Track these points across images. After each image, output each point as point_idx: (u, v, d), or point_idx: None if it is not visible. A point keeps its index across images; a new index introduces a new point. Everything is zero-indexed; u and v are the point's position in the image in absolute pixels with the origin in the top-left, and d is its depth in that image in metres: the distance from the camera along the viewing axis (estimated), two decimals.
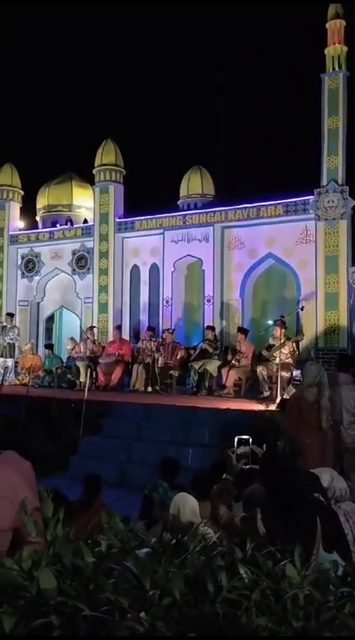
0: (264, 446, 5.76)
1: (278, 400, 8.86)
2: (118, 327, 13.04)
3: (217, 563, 1.18)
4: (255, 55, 23.43)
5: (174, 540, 1.36)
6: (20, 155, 19.62)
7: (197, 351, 11.42)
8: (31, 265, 16.08)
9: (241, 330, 11.43)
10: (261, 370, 10.07)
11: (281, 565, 1.20)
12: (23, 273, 16.22)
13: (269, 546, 1.34)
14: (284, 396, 8.64)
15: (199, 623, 1.00)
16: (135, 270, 14.73)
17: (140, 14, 24.60)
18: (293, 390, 7.56)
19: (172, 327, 12.77)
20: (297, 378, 7.73)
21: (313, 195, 11.84)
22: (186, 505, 3.69)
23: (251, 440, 3.48)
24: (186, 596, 1.04)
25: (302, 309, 11.38)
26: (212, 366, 11.07)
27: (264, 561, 1.22)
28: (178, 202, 15.81)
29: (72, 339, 13.73)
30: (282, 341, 9.99)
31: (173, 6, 22.50)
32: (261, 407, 9.09)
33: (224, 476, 4.10)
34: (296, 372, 9.35)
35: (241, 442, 3.43)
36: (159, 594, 1.03)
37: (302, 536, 2.37)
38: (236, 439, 3.45)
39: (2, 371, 13.29)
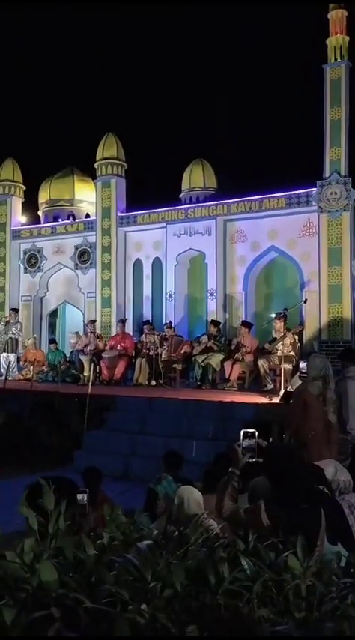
0: (271, 439, 5.76)
1: (281, 393, 8.85)
2: (122, 322, 13.03)
3: (219, 554, 1.18)
4: (257, 46, 23.31)
5: (177, 532, 1.35)
6: (22, 150, 19.58)
7: (201, 347, 11.39)
8: (33, 260, 16.08)
9: (245, 324, 11.39)
10: (262, 363, 10.06)
11: (283, 556, 1.20)
12: (26, 268, 16.22)
13: (272, 538, 1.34)
14: (288, 389, 8.63)
15: (200, 614, 1.00)
16: (137, 264, 14.72)
17: (140, 6, 24.49)
18: (299, 382, 7.54)
19: (169, 321, 12.72)
20: (304, 371, 7.71)
21: (316, 187, 11.79)
22: (191, 497, 3.70)
23: (257, 433, 3.48)
24: (187, 587, 1.04)
25: (305, 302, 11.34)
26: (215, 359, 11.06)
27: (266, 553, 1.22)
28: (180, 196, 15.75)
29: (76, 333, 13.74)
30: (283, 334, 9.98)
31: None
32: (265, 400, 9.09)
33: (230, 469, 4.11)
34: (303, 365, 9.32)
35: (247, 435, 3.42)
36: (160, 586, 1.03)
37: (306, 527, 2.37)
38: (241, 432, 3.45)
39: (5, 366, 13.33)
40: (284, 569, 1.16)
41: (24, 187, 16.77)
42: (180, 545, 1.22)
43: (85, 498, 2.60)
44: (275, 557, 1.22)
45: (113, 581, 1.04)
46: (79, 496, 2.52)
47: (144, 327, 12.48)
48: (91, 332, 12.95)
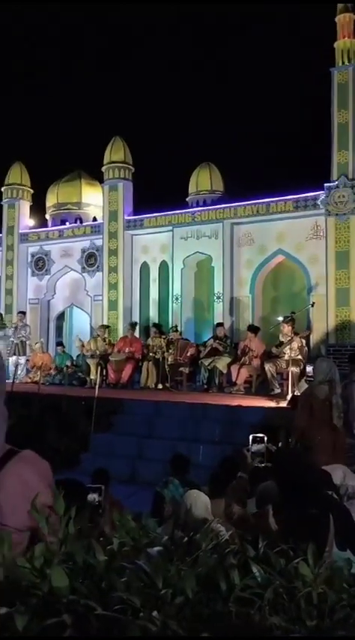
0: (279, 444, 5.73)
1: (289, 397, 8.82)
2: (132, 325, 13.00)
3: (229, 561, 1.18)
4: (265, 49, 23.32)
5: (186, 538, 1.35)
6: (29, 154, 19.67)
7: (207, 349, 11.39)
8: (41, 263, 16.13)
9: (251, 328, 11.35)
10: (268, 367, 10.04)
11: (294, 563, 1.20)
12: (33, 272, 16.28)
13: (281, 544, 1.34)
14: (295, 393, 8.60)
15: (212, 621, 1.00)
16: (144, 268, 14.73)
17: (145, 7, 24.56)
18: (306, 387, 7.51)
19: (175, 325, 12.71)
20: (310, 375, 7.71)
21: (323, 190, 11.77)
22: (198, 502, 3.69)
23: (266, 438, 3.47)
24: (198, 594, 1.04)
25: (312, 305, 11.31)
26: (221, 363, 11.04)
27: (276, 559, 1.21)
28: (187, 199, 15.76)
29: (79, 339, 13.71)
30: (290, 337, 9.96)
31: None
32: (272, 404, 9.06)
33: (239, 474, 4.09)
34: (310, 369, 9.29)
35: (256, 440, 3.42)
36: (171, 593, 1.03)
37: (314, 532, 2.36)
38: (250, 437, 3.44)
39: (14, 369, 13.37)
40: (295, 576, 1.15)
41: (32, 191, 16.85)
42: (190, 552, 1.22)
43: (96, 498, 2.56)
44: (286, 564, 1.21)
45: (124, 588, 1.04)
46: (90, 496, 2.49)
47: (151, 330, 12.46)
48: (98, 335, 12.95)
